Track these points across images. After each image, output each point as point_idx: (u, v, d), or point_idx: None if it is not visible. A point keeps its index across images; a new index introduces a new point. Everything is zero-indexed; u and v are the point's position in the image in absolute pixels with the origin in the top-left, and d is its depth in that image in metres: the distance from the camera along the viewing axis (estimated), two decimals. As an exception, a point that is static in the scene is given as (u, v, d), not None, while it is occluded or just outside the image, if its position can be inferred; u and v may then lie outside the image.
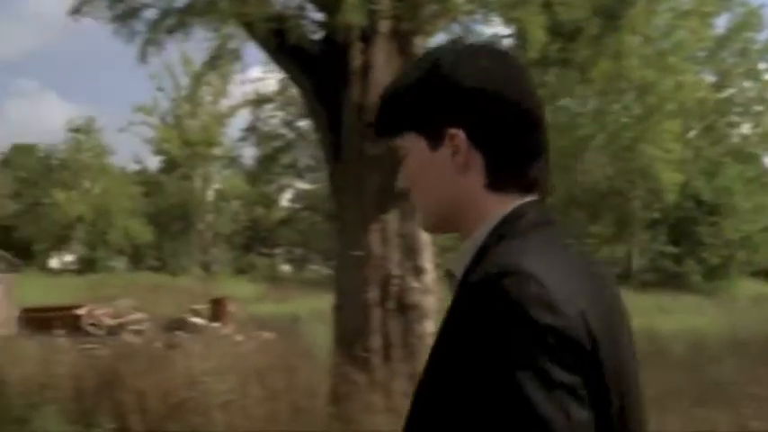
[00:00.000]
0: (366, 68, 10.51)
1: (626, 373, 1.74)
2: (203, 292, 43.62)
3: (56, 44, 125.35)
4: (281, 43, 10.63)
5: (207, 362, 11.26)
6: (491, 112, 1.76)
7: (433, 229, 1.93)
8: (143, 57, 11.01)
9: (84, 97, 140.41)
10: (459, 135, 1.76)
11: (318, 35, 11.01)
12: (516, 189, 1.77)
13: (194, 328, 24.27)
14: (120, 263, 75.36)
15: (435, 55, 1.87)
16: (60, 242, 76.11)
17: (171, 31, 10.70)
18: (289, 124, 69.86)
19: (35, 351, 14.16)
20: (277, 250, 77.62)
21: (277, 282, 58.44)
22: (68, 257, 77.13)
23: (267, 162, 69.82)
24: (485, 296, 1.59)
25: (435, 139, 1.79)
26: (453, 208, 1.81)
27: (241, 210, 76.04)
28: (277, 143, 69.97)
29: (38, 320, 24.57)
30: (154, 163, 78.74)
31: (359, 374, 9.96)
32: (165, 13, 10.70)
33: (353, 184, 10.72)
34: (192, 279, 58.29)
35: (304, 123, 69.94)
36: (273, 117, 69.83)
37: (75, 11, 11.07)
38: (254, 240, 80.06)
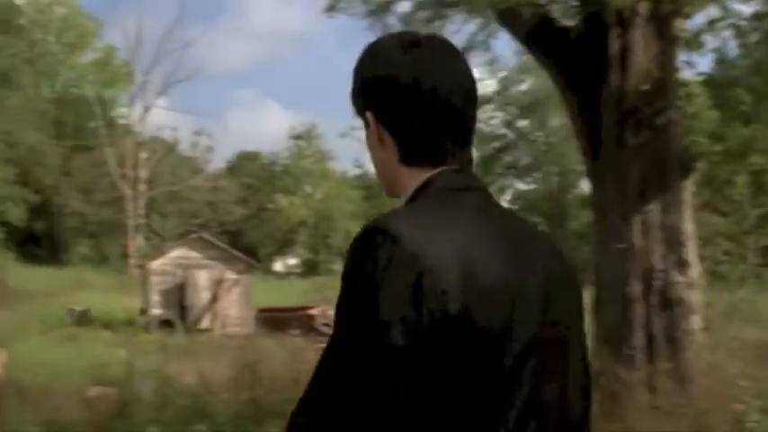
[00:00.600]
0: (624, 53, 10.13)
1: (515, 346, 1.80)
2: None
3: (274, 55, 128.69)
4: (534, 31, 10.37)
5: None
6: (389, 97, 1.97)
7: (389, 194, 2.10)
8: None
9: (304, 105, 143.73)
10: (370, 117, 2.01)
11: (572, 21, 10.70)
12: (427, 163, 1.95)
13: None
14: (341, 266, 76.42)
15: (366, 47, 2.09)
16: (284, 246, 77.88)
17: (425, 23, 10.57)
18: (509, 124, 69.63)
19: (277, 349, 14.29)
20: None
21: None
22: (291, 261, 78.80)
23: (487, 163, 69.63)
24: (351, 246, 1.82)
25: (365, 121, 2.04)
26: (389, 178, 2.05)
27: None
28: (497, 143, 69.80)
29: (273, 320, 25.09)
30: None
31: (622, 371, 9.56)
32: (420, 6, 10.60)
33: (614, 174, 10.33)
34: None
35: (524, 123, 69.92)
36: (493, 117, 69.82)
37: (331, 8, 11.11)
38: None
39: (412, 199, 1.94)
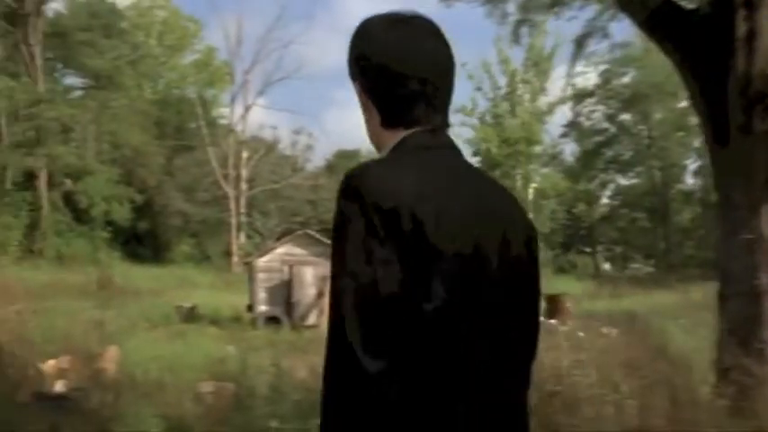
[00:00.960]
0: (751, 36, 9.75)
1: (478, 281, 2.19)
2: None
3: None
4: (655, 15, 10.09)
5: (569, 355, 10.77)
6: (371, 72, 2.35)
7: (378, 153, 2.44)
8: (516, 38, 10.80)
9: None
10: (357, 87, 2.41)
11: (696, 3, 10.38)
12: (402, 125, 2.32)
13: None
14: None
15: (358, 25, 2.46)
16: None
17: (543, 10, 10.39)
18: (611, 118, 68.57)
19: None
20: (597, 248, 76.17)
21: (600, 279, 57.27)
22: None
23: (588, 158, 68.71)
24: (337, 195, 2.18)
25: (356, 90, 2.43)
26: (376, 140, 2.42)
27: (558, 208, 75.19)
28: (599, 138, 68.81)
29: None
30: (474, 163, 78.77)
31: (753, 366, 9.21)
32: (539, -8, 10.41)
33: (740, 162, 9.96)
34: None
35: (626, 116, 68.78)
36: (595, 111, 68.86)
37: (448, -3, 11.01)
38: (572, 238, 79.07)
39: (396, 152, 2.32)
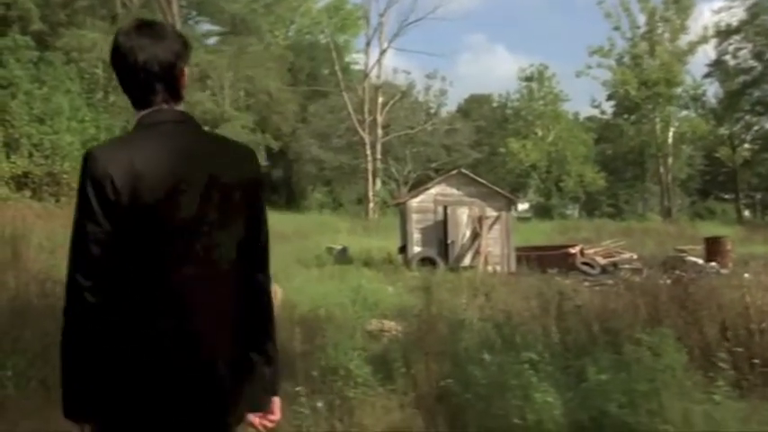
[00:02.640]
0: None
1: (177, 221, 2.94)
2: (677, 235, 42.24)
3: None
4: None
5: (756, 295, 10.09)
6: (116, 66, 3.08)
7: None
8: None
9: (534, 47, 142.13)
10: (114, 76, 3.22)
11: None
12: (141, 107, 3.07)
13: (694, 267, 23.22)
14: (573, 210, 75.22)
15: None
16: (514, 191, 77.04)
17: None
18: (758, 56, 65.76)
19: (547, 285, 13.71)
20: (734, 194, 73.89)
21: (745, 225, 55.55)
22: (522, 206, 77.91)
23: (733, 99, 66.27)
24: None
25: None
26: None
27: (695, 153, 73.14)
28: (745, 77, 66.15)
29: (532, 258, 24.55)
30: (610, 107, 76.69)
31: None
32: None
33: None
34: (656, 224, 56.87)
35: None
36: (741, 49, 66.17)
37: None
38: (710, 185, 77.07)
39: (133, 130, 3.05)
